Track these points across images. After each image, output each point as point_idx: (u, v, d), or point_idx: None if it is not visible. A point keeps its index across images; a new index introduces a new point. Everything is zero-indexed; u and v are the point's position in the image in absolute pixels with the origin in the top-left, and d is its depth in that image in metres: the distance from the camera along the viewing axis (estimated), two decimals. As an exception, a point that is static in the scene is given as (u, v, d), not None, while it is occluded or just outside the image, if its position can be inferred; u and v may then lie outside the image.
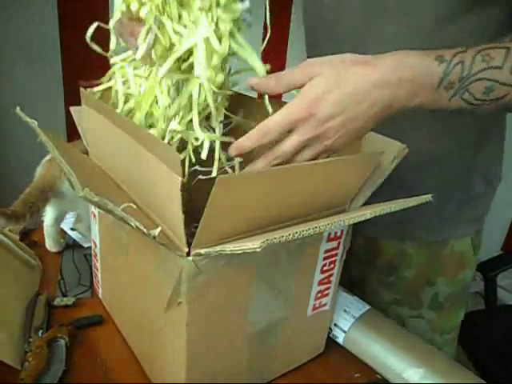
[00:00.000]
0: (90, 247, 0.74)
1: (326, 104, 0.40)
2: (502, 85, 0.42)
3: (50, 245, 0.80)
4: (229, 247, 0.37)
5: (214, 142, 0.49)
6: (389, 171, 0.52)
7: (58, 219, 0.78)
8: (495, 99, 0.43)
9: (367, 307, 0.65)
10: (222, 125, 0.55)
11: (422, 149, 0.64)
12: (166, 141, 0.50)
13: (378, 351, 0.59)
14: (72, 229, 0.86)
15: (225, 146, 0.48)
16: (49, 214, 0.77)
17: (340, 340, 0.63)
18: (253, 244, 0.34)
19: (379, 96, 0.41)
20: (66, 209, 0.78)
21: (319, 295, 0.56)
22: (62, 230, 0.85)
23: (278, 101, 0.63)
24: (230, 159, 0.49)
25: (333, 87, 0.40)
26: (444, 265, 0.71)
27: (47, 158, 0.76)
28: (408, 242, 0.72)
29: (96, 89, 0.58)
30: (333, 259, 0.55)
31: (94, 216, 0.63)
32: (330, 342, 0.63)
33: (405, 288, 0.74)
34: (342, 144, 0.43)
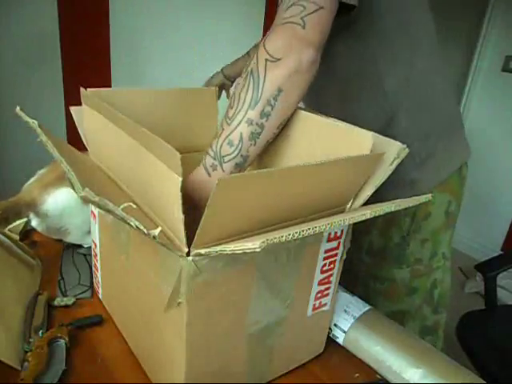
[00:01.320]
0: (89, 247, 0.74)
1: None
2: (230, 134, 0.54)
3: (48, 235, 0.82)
4: (229, 247, 0.37)
5: None
6: (389, 172, 0.52)
7: (43, 223, 0.79)
8: (240, 141, 0.54)
9: (367, 307, 0.65)
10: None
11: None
12: None
13: (378, 351, 0.59)
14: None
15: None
16: (34, 221, 0.78)
17: (340, 340, 0.63)
18: (253, 244, 0.34)
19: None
20: (50, 225, 0.78)
21: (319, 295, 0.56)
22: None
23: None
24: None
25: None
26: (377, 218, 0.76)
27: (31, 180, 0.78)
28: None
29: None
30: (333, 259, 0.55)
31: (94, 216, 0.63)
32: (330, 341, 0.63)
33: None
34: None
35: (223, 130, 0.55)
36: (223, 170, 0.55)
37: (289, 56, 0.53)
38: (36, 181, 0.78)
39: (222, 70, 1.21)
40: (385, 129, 0.74)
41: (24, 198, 0.76)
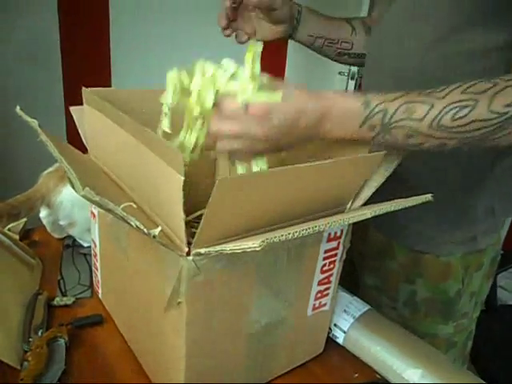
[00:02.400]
0: (89, 247, 0.74)
1: (276, 116, 0.46)
2: (421, 135, 0.47)
3: (50, 232, 0.83)
4: (229, 247, 0.37)
5: None
6: (389, 172, 0.52)
7: (52, 215, 0.80)
8: (417, 144, 0.48)
9: (367, 307, 0.65)
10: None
11: (431, 164, 0.64)
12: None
13: (378, 351, 0.59)
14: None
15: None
16: (44, 212, 0.79)
17: (340, 340, 0.63)
18: (253, 243, 0.34)
19: (309, 119, 0.47)
20: (61, 217, 0.79)
21: (319, 295, 0.56)
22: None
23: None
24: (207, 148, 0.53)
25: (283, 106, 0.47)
26: (425, 268, 0.71)
27: (50, 169, 0.79)
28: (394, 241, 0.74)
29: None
30: (333, 259, 0.55)
31: (94, 216, 0.63)
32: (330, 342, 0.63)
33: (386, 277, 0.75)
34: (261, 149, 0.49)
35: (420, 119, 0.46)
36: (373, 138, 0.49)
37: None
38: (52, 172, 0.79)
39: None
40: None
41: (40, 190, 0.76)
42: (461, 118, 0.46)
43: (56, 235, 0.83)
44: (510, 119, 0.45)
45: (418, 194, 0.48)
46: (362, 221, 0.44)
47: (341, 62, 0.83)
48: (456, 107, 0.46)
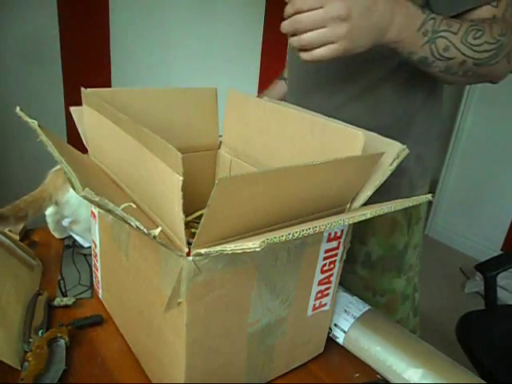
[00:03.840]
0: (89, 247, 0.74)
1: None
2: (454, 48, 0.56)
3: (52, 231, 0.83)
4: (229, 247, 0.37)
5: None
6: (389, 172, 0.52)
7: (57, 214, 0.80)
8: (448, 58, 0.56)
9: (367, 307, 0.65)
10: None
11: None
12: None
13: (378, 351, 0.59)
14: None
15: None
16: (49, 209, 0.79)
17: (340, 340, 0.63)
18: (253, 243, 0.34)
19: (382, 9, 0.52)
20: (66, 215, 0.79)
21: (319, 295, 0.56)
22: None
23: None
24: None
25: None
26: (375, 225, 0.76)
27: (57, 167, 0.79)
28: None
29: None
30: (333, 259, 0.55)
31: (94, 216, 0.63)
32: (330, 341, 0.63)
33: None
34: (355, 46, 0.53)
35: (455, 32, 0.55)
36: (423, 45, 0.56)
37: None
38: (60, 170, 0.78)
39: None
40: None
41: (48, 189, 0.76)
42: (478, 37, 0.55)
43: (57, 235, 0.83)
44: (501, 47, 0.56)
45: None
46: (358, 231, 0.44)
47: None
48: (474, 29, 0.56)
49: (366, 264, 0.80)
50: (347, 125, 0.54)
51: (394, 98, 0.73)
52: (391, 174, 0.53)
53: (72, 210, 0.77)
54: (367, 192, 0.53)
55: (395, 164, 0.52)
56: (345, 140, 0.52)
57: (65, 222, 0.82)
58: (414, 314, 0.85)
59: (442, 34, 0.55)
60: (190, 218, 0.68)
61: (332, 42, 0.51)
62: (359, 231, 0.75)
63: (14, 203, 0.73)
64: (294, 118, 0.60)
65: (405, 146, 0.52)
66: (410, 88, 0.72)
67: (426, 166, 0.78)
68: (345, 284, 0.69)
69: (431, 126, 0.77)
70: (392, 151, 0.53)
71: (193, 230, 0.64)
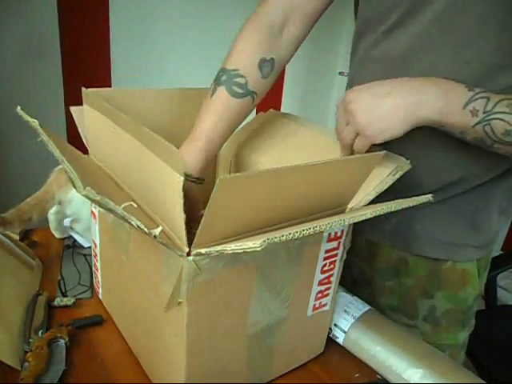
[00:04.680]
0: (89, 247, 0.74)
1: (356, 105, 0.50)
2: None
3: (52, 230, 0.82)
4: (229, 247, 0.37)
5: None
6: (390, 183, 0.52)
7: (60, 213, 0.80)
8: (509, 143, 0.48)
9: (367, 307, 0.65)
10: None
11: (442, 167, 0.62)
12: None
13: (378, 351, 0.59)
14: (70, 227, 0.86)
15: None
16: (53, 208, 0.79)
17: (340, 340, 0.63)
18: (253, 243, 0.34)
19: (394, 106, 0.49)
20: (69, 213, 0.79)
21: (319, 295, 0.56)
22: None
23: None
24: None
25: (360, 96, 0.51)
26: (444, 279, 0.69)
27: (59, 166, 0.79)
28: (408, 253, 0.70)
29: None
30: (333, 259, 0.55)
31: (94, 216, 0.63)
32: (330, 342, 0.63)
33: (403, 295, 0.73)
34: (378, 133, 0.50)
35: None
36: (474, 126, 0.48)
37: None
38: (62, 168, 0.78)
39: None
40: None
41: (51, 190, 0.75)
42: None
43: (57, 235, 0.83)
44: None
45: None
46: (363, 225, 0.43)
47: None
48: None
49: (428, 319, 0.71)
50: None
51: None
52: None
53: (75, 208, 0.77)
54: (369, 196, 0.53)
55: (398, 176, 0.52)
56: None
57: (66, 222, 0.82)
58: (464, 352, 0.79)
59: (501, 116, 0.47)
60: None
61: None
62: (423, 283, 0.70)
63: (18, 206, 0.73)
64: (292, 131, 0.60)
65: (408, 161, 0.52)
66: None
67: None
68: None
69: None
70: (396, 163, 0.52)
71: (193, 230, 0.64)
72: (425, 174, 0.62)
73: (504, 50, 0.53)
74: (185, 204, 0.38)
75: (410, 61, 0.58)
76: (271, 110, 0.73)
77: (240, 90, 0.59)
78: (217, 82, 0.60)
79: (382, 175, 0.52)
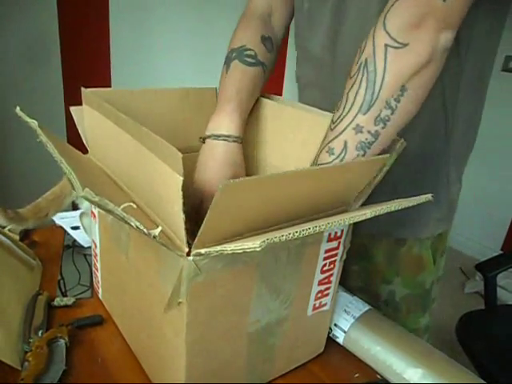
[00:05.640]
0: (90, 247, 0.74)
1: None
2: (332, 141, 0.47)
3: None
4: (229, 247, 0.37)
5: None
6: (387, 167, 0.52)
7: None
8: (343, 150, 0.47)
9: (367, 307, 0.65)
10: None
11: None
12: None
13: (378, 351, 0.59)
14: (73, 228, 0.86)
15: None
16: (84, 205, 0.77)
17: (340, 340, 0.63)
18: (253, 243, 0.34)
19: None
20: (83, 208, 0.78)
21: (319, 295, 0.56)
22: (62, 229, 0.85)
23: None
24: None
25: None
26: (401, 265, 0.71)
27: None
28: (365, 238, 0.72)
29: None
30: (333, 259, 0.55)
31: (94, 216, 0.63)
32: (330, 342, 0.63)
33: (366, 279, 0.75)
34: None
35: (326, 135, 0.47)
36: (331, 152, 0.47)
37: (420, 39, 0.40)
38: None
39: None
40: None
41: (69, 186, 0.74)
42: (341, 105, 0.46)
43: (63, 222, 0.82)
44: (366, 66, 0.43)
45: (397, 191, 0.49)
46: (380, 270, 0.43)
47: None
48: (337, 106, 0.46)
49: (389, 303, 0.74)
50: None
51: None
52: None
53: (88, 204, 0.76)
54: (367, 190, 0.53)
55: (393, 158, 0.52)
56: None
57: (76, 214, 0.81)
58: (428, 339, 0.81)
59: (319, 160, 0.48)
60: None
61: None
62: (382, 269, 0.72)
63: (35, 202, 0.71)
64: (294, 117, 0.60)
65: (402, 139, 0.52)
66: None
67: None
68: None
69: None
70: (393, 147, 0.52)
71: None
72: None
73: None
74: (184, 204, 0.38)
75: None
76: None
77: (252, 60, 0.63)
78: (228, 59, 0.64)
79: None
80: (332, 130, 0.45)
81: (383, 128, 0.44)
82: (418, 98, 0.44)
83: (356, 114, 0.43)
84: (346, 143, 0.45)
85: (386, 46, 0.40)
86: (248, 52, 0.63)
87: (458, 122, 0.65)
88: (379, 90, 0.42)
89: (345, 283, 0.72)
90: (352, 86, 0.43)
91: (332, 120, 0.46)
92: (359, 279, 0.76)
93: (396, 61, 0.40)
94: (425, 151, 0.65)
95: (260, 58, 0.64)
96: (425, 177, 0.68)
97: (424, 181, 0.68)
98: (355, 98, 0.43)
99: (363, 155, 0.46)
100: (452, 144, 0.66)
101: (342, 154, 0.45)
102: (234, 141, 0.59)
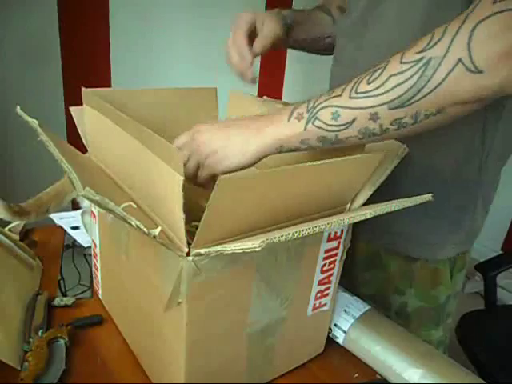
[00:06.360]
0: (89, 247, 0.74)
1: (202, 135, 0.50)
2: (345, 108, 0.43)
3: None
4: (229, 247, 0.37)
5: None
6: (389, 171, 0.52)
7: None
8: (347, 123, 0.44)
9: (367, 307, 0.65)
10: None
11: (425, 162, 0.63)
12: None
13: (378, 351, 0.59)
14: (73, 228, 0.86)
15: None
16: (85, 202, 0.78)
17: (340, 340, 0.63)
18: (253, 243, 0.34)
19: (236, 133, 0.49)
20: (83, 206, 0.79)
21: (319, 295, 0.56)
22: (62, 229, 0.85)
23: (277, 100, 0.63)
24: None
25: (208, 127, 0.51)
26: (415, 277, 0.70)
27: None
28: (381, 248, 0.71)
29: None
30: (333, 259, 0.55)
31: (94, 216, 0.63)
32: (330, 342, 0.63)
33: (378, 288, 0.74)
34: (215, 163, 0.49)
35: (340, 94, 0.44)
36: (305, 128, 0.45)
37: (498, 70, 0.36)
38: None
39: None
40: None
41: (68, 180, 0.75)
42: (375, 78, 0.42)
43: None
44: (427, 64, 0.39)
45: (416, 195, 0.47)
46: (361, 221, 0.43)
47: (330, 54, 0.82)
48: (369, 73, 0.43)
49: (400, 314, 0.72)
50: None
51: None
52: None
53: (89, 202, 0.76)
54: (367, 192, 0.53)
55: (395, 163, 0.52)
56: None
57: (77, 213, 0.81)
58: (443, 352, 0.78)
59: (322, 104, 0.45)
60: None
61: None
62: (395, 280, 0.71)
63: (37, 197, 0.72)
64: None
65: (405, 145, 0.52)
66: None
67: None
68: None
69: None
70: (392, 150, 0.52)
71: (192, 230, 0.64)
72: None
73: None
74: (185, 204, 0.39)
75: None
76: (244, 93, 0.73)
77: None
78: None
79: (382, 173, 0.52)
80: (350, 96, 0.43)
81: (395, 130, 0.43)
82: (444, 122, 0.42)
83: (383, 104, 0.41)
84: (354, 120, 0.43)
85: (460, 60, 0.37)
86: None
87: (493, 154, 0.64)
88: (420, 98, 0.40)
89: (355, 290, 0.72)
90: (401, 73, 0.40)
91: (359, 81, 0.43)
92: (371, 287, 0.75)
93: (460, 79, 0.38)
94: (454, 178, 0.65)
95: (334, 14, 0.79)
96: (450, 204, 0.66)
97: (449, 208, 0.66)
98: (395, 87, 0.40)
99: (360, 139, 0.45)
100: (484, 175, 0.66)
101: (345, 127, 0.44)
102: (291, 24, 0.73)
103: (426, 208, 0.57)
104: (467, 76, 0.37)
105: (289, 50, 0.87)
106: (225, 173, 0.48)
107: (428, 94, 0.39)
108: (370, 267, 0.74)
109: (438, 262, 0.69)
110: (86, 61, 1.91)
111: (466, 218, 0.68)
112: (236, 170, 0.49)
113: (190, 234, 0.41)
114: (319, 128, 0.45)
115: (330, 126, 0.45)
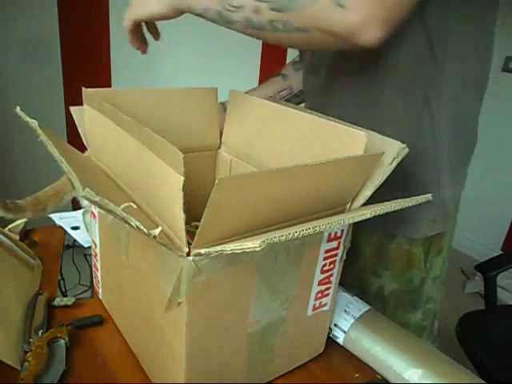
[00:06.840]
0: (90, 247, 0.74)
1: None
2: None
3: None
4: (229, 247, 0.37)
5: None
6: (389, 171, 0.52)
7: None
8: (239, 7, 0.52)
9: (367, 307, 0.65)
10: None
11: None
12: None
13: (378, 351, 0.59)
14: (73, 228, 0.86)
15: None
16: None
17: (340, 340, 0.63)
18: (253, 243, 0.34)
19: None
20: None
21: (319, 295, 0.56)
22: (62, 229, 0.85)
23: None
24: None
25: None
26: (391, 259, 0.72)
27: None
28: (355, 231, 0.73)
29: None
30: (333, 259, 0.55)
31: (94, 216, 0.63)
32: (330, 342, 0.63)
33: (355, 273, 0.75)
34: (138, 7, 0.62)
35: None
36: None
37: (361, 8, 0.44)
38: None
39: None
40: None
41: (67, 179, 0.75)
42: None
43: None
44: None
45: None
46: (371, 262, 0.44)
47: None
48: None
49: (378, 297, 0.75)
50: (349, 125, 0.54)
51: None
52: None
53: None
54: (367, 192, 0.53)
55: (395, 163, 0.52)
56: (347, 141, 0.52)
57: (78, 213, 0.81)
58: (432, 343, 0.80)
59: None
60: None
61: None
62: (372, 263, 0.73)
63: (35, 195, 0.72)
64: (295, 118, 0.60)
65: (404, 145, 0.52)
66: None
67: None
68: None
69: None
70: (391, 150, 0.52)
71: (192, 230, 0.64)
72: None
73: None
74: (185, 204, 0.39)
75: None
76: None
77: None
78: None
79: (382, 173, 0.52)
80: None
81: (269, 32, 0.51)
82: (311, 44, 0.52)
83: (266, 2, 0.49)
84: (243, 6, 0.51)
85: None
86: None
87: (444, 124, 0.66)
88: (292, 10, 0.47)
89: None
90: None
91: None
92: (348, 272, 0.76)
93: (325, 8, 0.46)
94: (412, 153, 0.66)
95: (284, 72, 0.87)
96: (414, 179, 0.68)
97: (413, 183, 0.68)
98: None
99: (244, 27, 0.53)
100: (440, 146, 0.67)
101: (234, 9, 0.52)
102: None
103: (391, 186, 0.60)
104: (332, 8, 0.46)
105: (289, 50, 0.87)
106: (145, 18, 0.63)
107: (298, 9, 0.47)
108: (348, 252, 0.75)
109: (412, 244, 0.71)
110: (86, 61, 1.91)
111: (431, 191, 0.69)
112: (157, 19, 0.63)
113: (190, 234, 0.41)
114: (220, 3, 0.53)
115: (228, 5, 0.53)
